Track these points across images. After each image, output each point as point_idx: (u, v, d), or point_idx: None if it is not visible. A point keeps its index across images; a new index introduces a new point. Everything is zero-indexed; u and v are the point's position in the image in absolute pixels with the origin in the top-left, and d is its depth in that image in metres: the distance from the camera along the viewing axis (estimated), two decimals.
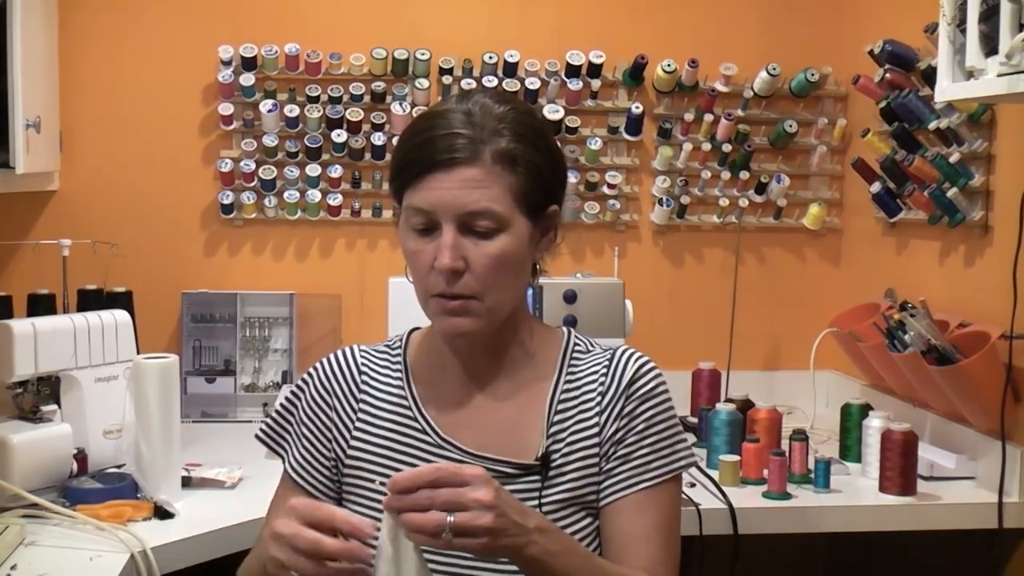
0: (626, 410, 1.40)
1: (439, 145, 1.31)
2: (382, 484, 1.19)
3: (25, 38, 2.41)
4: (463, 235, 1.31)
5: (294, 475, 1.45)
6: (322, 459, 1.43)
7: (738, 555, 2.14)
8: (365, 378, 1.44)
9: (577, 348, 1.46)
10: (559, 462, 1.38)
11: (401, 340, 1.49)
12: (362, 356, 1.47)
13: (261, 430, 1.50)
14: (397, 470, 1.35)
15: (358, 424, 1.42)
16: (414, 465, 1.36)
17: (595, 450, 1.39)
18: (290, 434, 1.47)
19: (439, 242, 1.31)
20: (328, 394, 1.44)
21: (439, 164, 1.30)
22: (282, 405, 1.49)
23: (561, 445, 1.39)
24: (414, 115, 2.89)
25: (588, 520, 1.38)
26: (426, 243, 1.32)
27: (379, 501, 1.33)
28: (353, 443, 1.41)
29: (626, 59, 2.99)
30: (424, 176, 1.31)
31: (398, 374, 1.44)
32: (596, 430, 1.40)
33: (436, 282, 1.33)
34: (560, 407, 1.41)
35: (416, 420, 1.40)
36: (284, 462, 1.47)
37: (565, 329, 1.48)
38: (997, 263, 2.30)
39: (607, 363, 1.43)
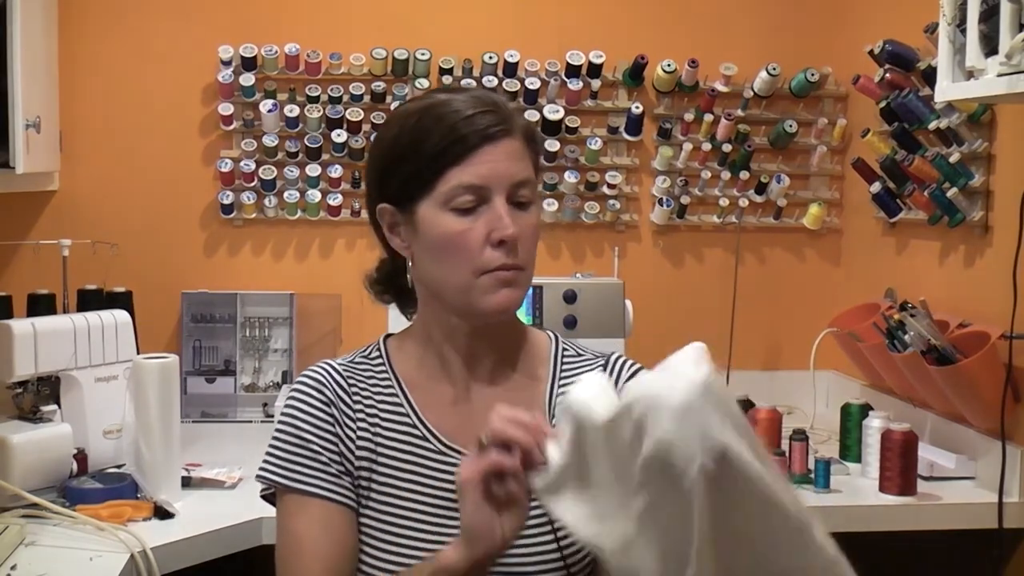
0: None
1: (483, 120, 1.31)
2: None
3: (25, 38, 2.41)
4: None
5: (335, 496, 1.33)
6: (343, 471, 1.35)
7: None
8: (355, 390, 1.38)
9: (566, 352, 1.47)
10: None
11: (378, 350, 1.44)
12: (344, 369, 1.41)
13: (266, 470, 1.35)
14: (404, 480, 1.34)
15: (360, 436, 1.36)
16: (421, 474, 1.34)
17: None
18: (299, 463, 1.34)
19: (493, 215, 1.30)
20: (327, 405, 1.37)
21: (488, 137, 1.30)
22: (278, 439, 1.37)
23: None
24: None
25: None
26: (472, 221, 1.30)
27: (389, 512, 1.32)
28: (359, 453, 1.35)
29: (626, 59, 2.99)
30: (475, 151, 1.30)
31: (388, 383, 1.40)
32: None
33: (493, 257, 1.31)
34: (558, 408, 1.40)
35: (416, 427, 1.37)
36: (308, 491, 1.33)
37: (551, 333, 1.49)
38: (997, 263, 2.30)
39: (601, 366, 1.45)
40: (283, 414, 1.38)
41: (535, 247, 1.36)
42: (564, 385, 1.43)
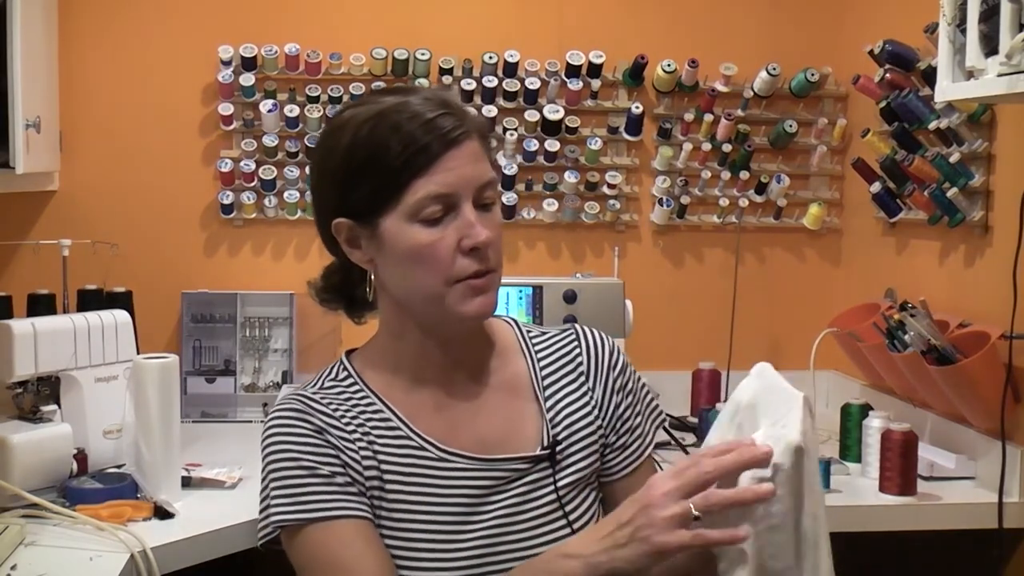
0: (619, 384, 1.43)
1: (443, 124, 1.26)
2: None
3: (25, 38, 2.41)
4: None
5: (362, 514, 1.29)
6: (359, 492, 1.31)
7: None
8: (339, 413, 1.33)
9: (531, 334, 1.46)
10: (564, 445, 1.38)
11: (346, 369, 1.39)
12: (320, 397, 1.35)
13: (281, 512, 1.28)
14: (412, 492, 1.32)
15: (364, 456, 1.32)
16: (427, 484, 1.32)
17: (594, 426, 1.40)
18: (316, 492, 1.28)
19: (462, 222, 1.27)
20: (319, 433, 1.31)
21: (451, 142, 1.26)
22: (279, 478, 1.29)
23: (560, 428, 1.39)
24: None
25: (592, 495, 1.39)
26: (441, 231, 1.27)
27: (402, 528, 1.30)
28: (367, 474, 1.31)
29: (626, 59, 2.99)
30: (439, 158, 1.26)
31: (368, 400, 1.36)
32: (591, 407, 1.41)
33: (465, 265, 1.28)
34: (547, 392, 1.41)
35: (411, 438, 1.34)
36: (335, 515, 1.27)
37: (508, 319, 1.48)
38: (997, 263, 2.30)
39: (575, 340, 1.44)
40: (274, 452, 1.31)
41: (502, 246, 1.33)
42: (544, 367, 1.42)
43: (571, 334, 1.45)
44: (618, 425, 1.42)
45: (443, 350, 1.36)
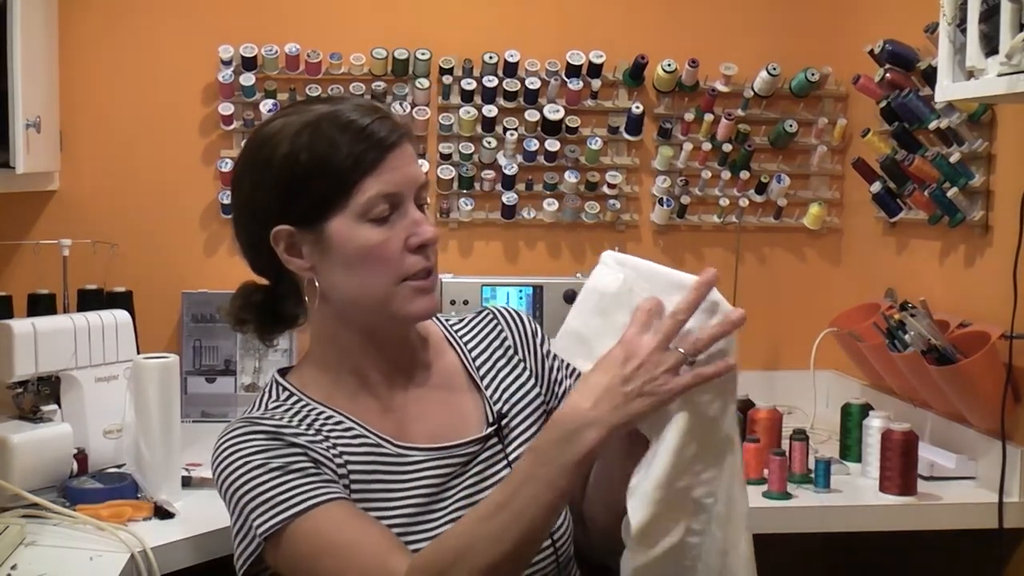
0: (545, 349, 1.49)
1: (382, 127, 1.30)
2: None
3: (25, 38, 2.41)
4: None
5: (342, 495, 1.29)
6: (335, 480, 1.31)
7: None
8: (295, 423, 1.34)
9: (453, 325, 1.50)
10: (508, 418, 1.42)
11: (286, 390, 1.40)
12: (269, 415, 1.35)
13: (267, 517, 1.27)
14: (375, 490, 1.33)
15: (333, 453, 1.32)
16: (390, 479, 1.33)
17: (534, 394, 1.44)
18: (296, 486, 1.27)
19: (409, 220, 1.31)
20: (275, 438, 1.31)
21: (393, 144, 1.31)
22: (254, 487, 1.29)
23: (503, 404, 1.42)
24: (415, 115, 2.89)
25: None
26: (389, 230, 1.31)
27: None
28: (340, 471, 1.32)
29: (626, 59, 2.99)
30: (384, 158, 1.30)
31: (316, 411, 1.36)
32: (527, 377, 1.46)
33: (414, 261, 1.32)
34: (482, 374, 1.44)
35: (367, 436, 1.35)
36: (323, 500, 1.27)
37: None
38: (997, 263, 2.30)
39: (494, 320, 1.50)
40: (239, 471, 1.29)
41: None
42: (472, 350, 1.46)
43: (488, 315, 1.50)
44: (556, 389, 1.47)
45: (382, 354, 1.39)
